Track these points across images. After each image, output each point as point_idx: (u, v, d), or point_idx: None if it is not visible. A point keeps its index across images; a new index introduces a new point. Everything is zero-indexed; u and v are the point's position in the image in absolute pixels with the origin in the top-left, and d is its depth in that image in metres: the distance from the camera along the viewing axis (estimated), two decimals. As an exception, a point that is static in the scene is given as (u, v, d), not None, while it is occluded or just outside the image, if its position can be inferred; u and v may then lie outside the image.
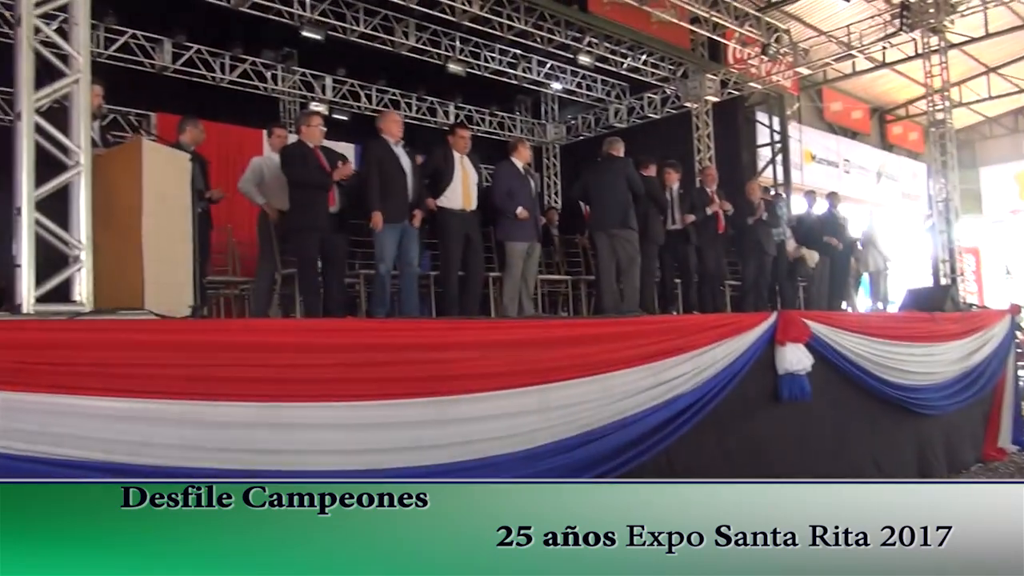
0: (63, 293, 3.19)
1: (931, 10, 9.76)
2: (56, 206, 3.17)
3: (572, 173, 14.05)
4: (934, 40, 9.93)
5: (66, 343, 2.62)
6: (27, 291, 2.90)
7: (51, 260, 3.15)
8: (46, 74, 3.13)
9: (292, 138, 5.62)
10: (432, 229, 5.69)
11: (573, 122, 15.02)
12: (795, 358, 5.81)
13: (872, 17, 11.02)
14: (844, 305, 9.22)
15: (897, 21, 10.10)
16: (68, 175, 3.05)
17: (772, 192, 8.77)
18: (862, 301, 10.14)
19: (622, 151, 6.35)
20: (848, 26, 11.47)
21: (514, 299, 5.71)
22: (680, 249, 7.27)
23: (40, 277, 3.03)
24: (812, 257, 8.08)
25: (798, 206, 9.78)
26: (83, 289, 3.08)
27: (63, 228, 3.08)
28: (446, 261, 5.42)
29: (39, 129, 3.00)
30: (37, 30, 2.97)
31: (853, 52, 11.54)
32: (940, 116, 9.95)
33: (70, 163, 3.10)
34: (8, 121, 8.78)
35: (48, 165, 3.14)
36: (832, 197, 9.00)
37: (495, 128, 14.36)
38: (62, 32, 3.22)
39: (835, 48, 11.94)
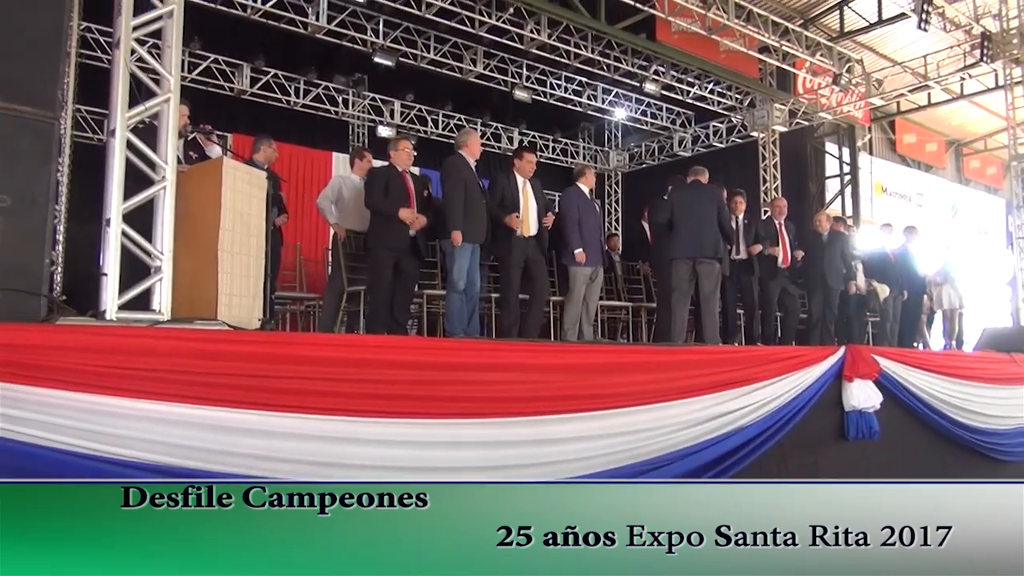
0: (143, 302, 3.34)
1: (1014, 40, 9.44)
2: (138, 220, 3.33)
3: (635, 201, 14.01)
4: (1017, 72, 9.59)
5: (148, 350, 2.72)
6: (111, 299, 3.04)
7: (130, 271, 3.31)
8: (137, 93, 3.32)
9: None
10: (492, 252, 5.70)
11: (636, 150, 15.00)
12: (863, 395, 5.64)
13: (950, 48, 10.70)
14: (916, 344, 8.89)
15: (976, 52, 9.77)
16: (154, 189, 3.20)
17: (841, 223, 8.51)
18: (935, 340, 9.76)
19: (706, 179, 6.29)
20: (925, 56, 11.17)
21: (575, 324, 5.69)
22: (744, 280, 7.16)
23: (120, 287, 3.18)
24: (883, 290, 7.82)
25: (872, 239, 9.48)
26: (162, 299, 3.21)
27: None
28: (506, 284, 5.44)
29: (129, 145, 3.16)
30: (132, 51, 3.14)
31: (929, 83, 11.22)
32: (1023, 149, 9.56)
33: (156, 178, 3.24)
34: (88, 139, 9.39)
35: (133, 180, 3.31)
36: (910, 231, 8.71)
37: (558, 155, 14.45)
38: (154, 54, 3.41)
39: (910, 79, 11.64)
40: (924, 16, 8.62)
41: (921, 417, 6.25)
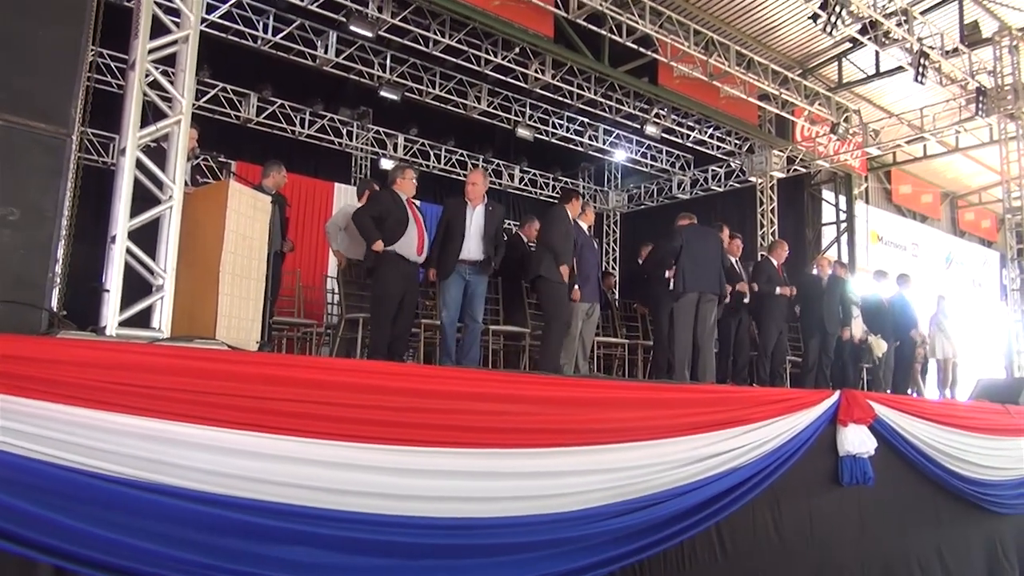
0: (142, 320, 3.34)
1: (1008, 96, 9.64)
2: (139, 239, 3.35)
3: (633, 241, 14.11)
4: (1011, 127, 9.77)
5: (148, 367, 2.72)
6: (112, 315, 3.05)
7: (128, 289, 3.31)
8: (148, 114, 3.37)
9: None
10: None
11: (636, 191, 15.16)
12: (858, 440, 5.63)
13: (947, 101, 10.92)
14: (911, 392, 8.89)
15: (972, 106, 9.97)
16: (160, 208, 3.23)
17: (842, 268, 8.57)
18: (929, 389, 9.77)
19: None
20: (921, 109, 11.39)
21: (572, 359, 5.70)
22: (727, 320, 7.17)
23: (121, 305, 3.19)
24: (880, 346, 7.83)
25: (866, 285, 9.54)
26: (163, 317, 3.22)
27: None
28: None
29: (138, 164, 3.20)
30: (147, 74, 3.19)
31: (925, 135, 11.41)
32: (1017, 203, 9.70)
33: (163, 197, 3.27)
34: (92, 161, 9.46)
35: (137, 200, 3.34)
36: (903, 279, 8.77)
37: (557, 193, 14.57)
38: (167, 78, 3.47)
39: (906, 130, 11.85)
40: (920, 70, 8.80)
41: (915, 465, 6.24)
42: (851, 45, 10.96)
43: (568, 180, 14.69)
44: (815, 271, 7.86)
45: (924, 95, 11.58)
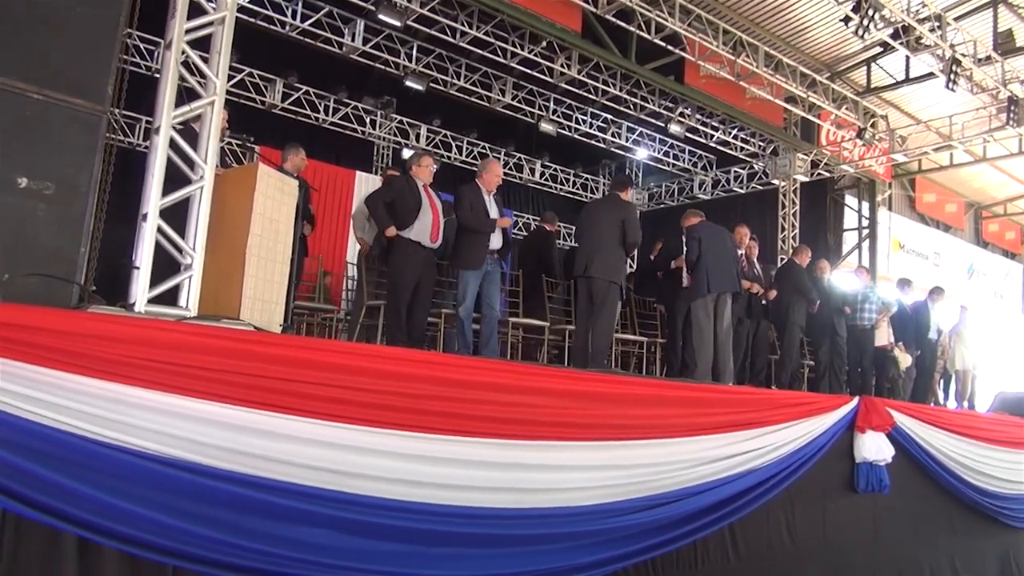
0: (168, 298, 3.38)
1: (1040, 107, 9.51)
2: (167, 219, 3.38)
3: (652, 240, 14.04)
4: (1042, 138, 9.63)
5: (177, 344, 2.75)
6: (142, 292, 3.08)
7: (158, 268, 3.35)
8: (181, 95, 3.39)
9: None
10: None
11: (656, 190, 15.08)
12: (875, 447, 5.59)
13: (976, 110, 10.78)
14: (929, 402, 8.81)
15: (1002, 115, 9.83)
16: (192, 188, 3.25)
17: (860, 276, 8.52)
18: (948, 401, 9.68)
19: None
20: (950, 117, 11.25)
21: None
22: (744, 322, 7.14)
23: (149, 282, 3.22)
24: (905, 360, 7.75)
25: (890, 294, 9.46)
26: (190, 296, 3.24)
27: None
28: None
29: (171, 144, 3.22)
30: (183, 53, 3.22)
31: (953, 143, 11.27)
32: (1044, 215, 9.55)
33: (195, 177, 3.30)
34: (121, 142, 9.54)
35: (165, 181, 3.36)
36: (936, 293, 8.69)
37: (578, 188, 14.56)
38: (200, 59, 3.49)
39: (933, 138, 11.71)
40: (952, 77, 8.69)
41: (932, 474, 6.19)
42: (881, 49, 10.85)
43: (589, 176, 14.66)
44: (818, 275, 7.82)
45: (952, 103, 11.41)
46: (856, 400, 5.66)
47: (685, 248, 6.14)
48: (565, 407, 3.91)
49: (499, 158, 13.03)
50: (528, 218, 13.62)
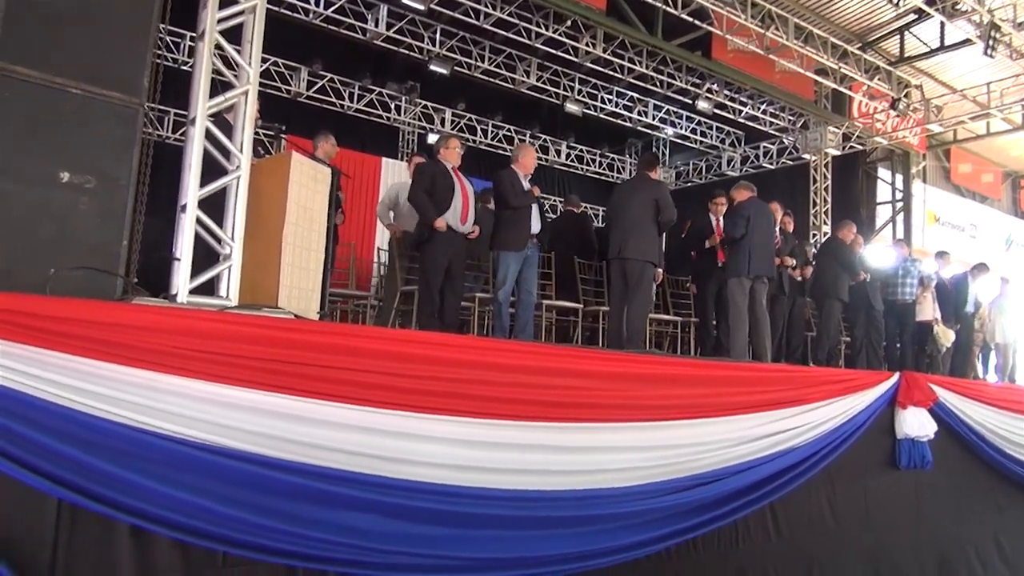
0: (207, 288, 3.40)
1: (1082, 71, 9.21)
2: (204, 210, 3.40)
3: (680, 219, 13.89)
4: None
5: (221, 334, 2.77)
6: (184, 283, 3.10)
7: (195, 259, 3.37)
8: (215, 86, 3.40)
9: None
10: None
11: (684, 168, 14.93)
12: (917, 423, 5.51)
13: (1016, 76, 10.47)
14: (970, 377, 8.65)
15: (1042, 81, 9.55)
16: (229, 178, 3.27)
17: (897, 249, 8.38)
18: (988, 375, 9.49)
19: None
20: (988, 84, 10.95)
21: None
22: (781, 299, 7.05)
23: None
24: (948, 337, 7.60)
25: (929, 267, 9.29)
26: (230, 285, 3.27)
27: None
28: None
29: (207, 134, 3.23)
30: (217, 44, 3.22)
31: (991, 112, 10.98)
32: (1087, 183, 9.28)
33: (231, 167, 3.31)
34: (149, 135, 9.63)
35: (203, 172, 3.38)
36: (978, 270, 8.51)
37: (604, 169, 14.45)
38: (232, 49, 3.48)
39: (969, 107, 11.42)
40: (991, 43, 8.44)
41: (975, 450, 6.09)
42: (915, 17, 10.56)
43: (615, 157, 14.53)
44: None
45: (989, 70, 11.12)
46: (897, 376, 5.57)
47: (728, 223, 6.04)
48: (604, 389, 3.89)
49: (524, 140, 12.98)
50: (554, 200, 13.57)
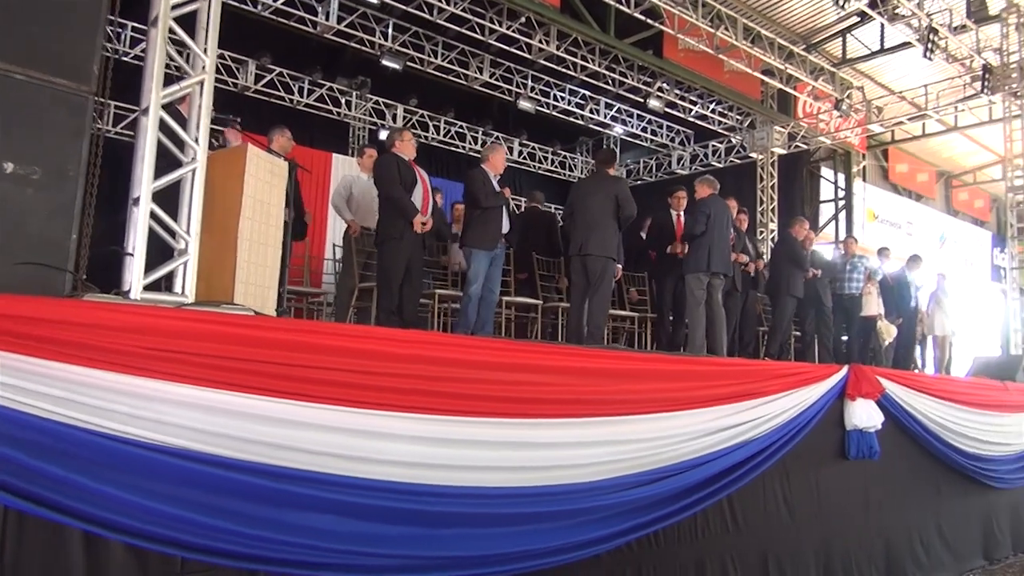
0: (160, 286, 3.28)
1: (1014, 75, 9.62)
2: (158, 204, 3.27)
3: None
4: (1015, 105, 9.76)
5: (178, 332, 2.67)
6: (137, 279, 2.99)
7: (154, 252, 3.24)
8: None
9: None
10: None
11: (634, 166, 15.08)
12: (865, 414, 5.66)
13: (949, 80, 10.89)
14: (911, 369, 8.97)
15: (976, 84, 9.94)
16: (185, 170, 3.15)
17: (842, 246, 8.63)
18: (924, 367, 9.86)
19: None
20: (926, 86, 11.35)
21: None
22: (734, 295, 7.18)
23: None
24: (890, 332, 7.86)
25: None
26: (186, 282, 3.16)
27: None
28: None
29: (160, 125, 3.11)
30: (171, 31, 3.10)
31: (928, 112, 11.39)
32: (1019, 182, 9.72)
33: (186, 159, 3.20)
34: (95, 129, 9.27)
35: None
36: (914, 261, 8.82)
37: (556, 167, 14.50)
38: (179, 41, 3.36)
39: (907, 108, 11.83)
40: (930, 46, 8.75)
41: (918, 440, 6.29)
42: (857, 20, 10.87)
43: (567, 154, 14.60)
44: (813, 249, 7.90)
45: (925, 73, 11.54)
46: (846, 368, 5.72)
47: (689, 219, 6.13)
48: (568, 384, 3.89)
49: (477, 137, 12.94)
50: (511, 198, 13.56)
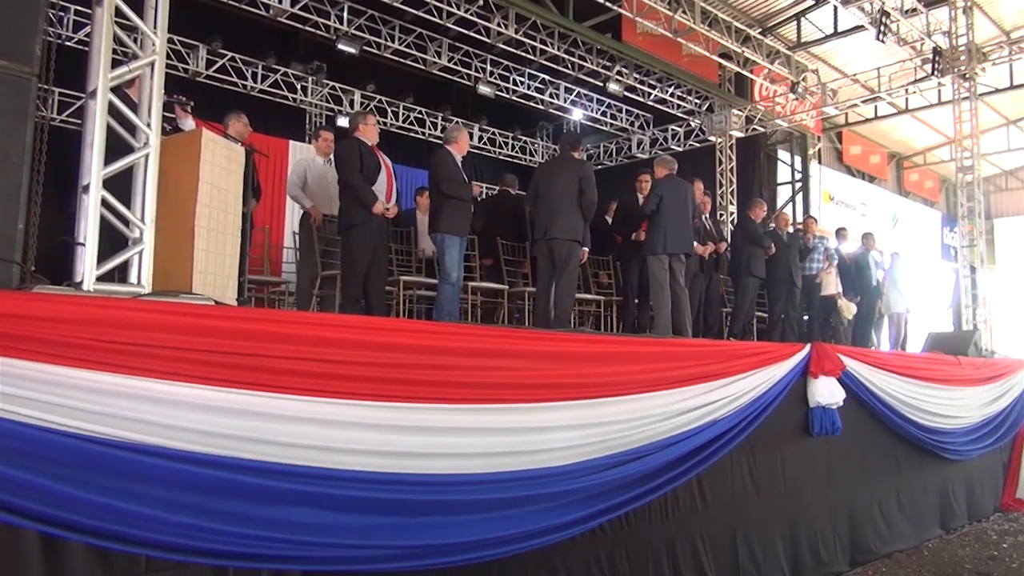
0: (114, 276, 3.15)
1: (962, 57, 9.83)
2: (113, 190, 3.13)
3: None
4: (965, 87, 9.99)
5: (136, 323, 2.56)
6: (89, 269, 2.86)
7: (105, 242, 3.11)
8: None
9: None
10: None
11: (594, 151, 15.09)
12: (827, 391, 5.75)
13: (900, 63, 11.09)
14: (870, 346, 9.17)
15: (926, 67, 10.14)
16: (137, 155, 3.02)
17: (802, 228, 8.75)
18: (881, 344, 10.08)
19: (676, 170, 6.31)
20: (878, 69, 11.56)
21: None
22: (698, 277, 7.24)
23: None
24: (849, 310, 8.00)
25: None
26: (143, 271, 3.04)
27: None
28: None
29: (110, 109, 2.98)
30: (117, 10, 2.96)
31: (881, 95, 11.60)
32: (968, 163, 9.96)
33: (138, 144, 3.07)
34: (39, 117, 8.92)
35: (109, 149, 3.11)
36: (867, 239, 8.99)
37: (516, 152, 14.43)
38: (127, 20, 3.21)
39: (859, 91, 12.03)
40: (882, 29, 8.88)
41: (878, 415, 6.43)
42: (812, 3, 11.01)
43: (527, 140, 14.54)
44: (773, 227, 7.98)
45: (876, 57, 11.75)
46: (808, 347, 5.80)
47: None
48: (538, 369, 3.87)
49: (436, 122, 12.80)
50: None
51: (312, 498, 2.93)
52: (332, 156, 5.56)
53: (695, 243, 6.57)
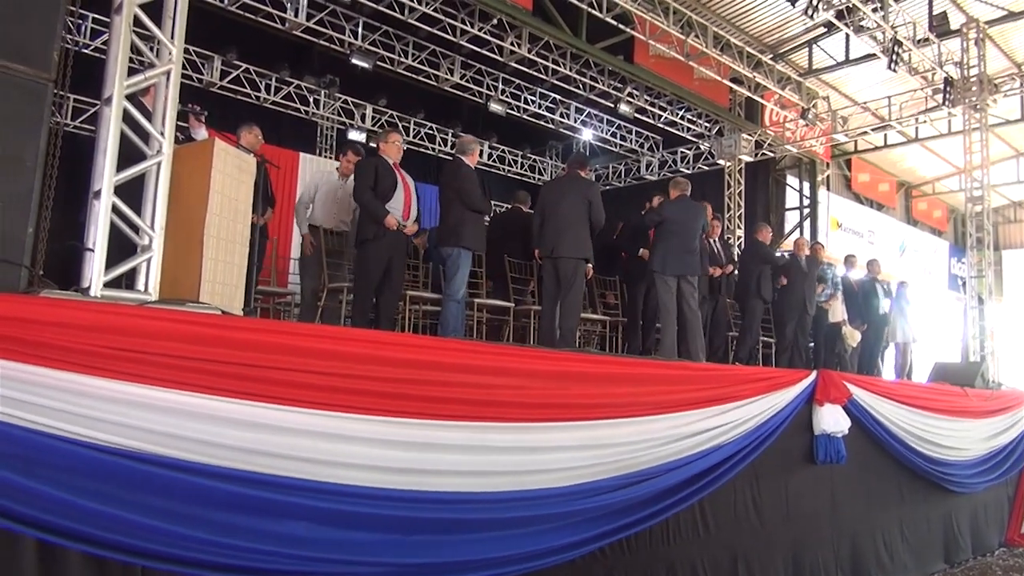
0: (122, 282, 3.15)
1: (973, 88, 9.84)
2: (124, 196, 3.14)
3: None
4: (976, 118, 9.98)
5: (142, 331, 2.55)
6: (97, 275, 2.86)
7: (114, 249, 3.11)
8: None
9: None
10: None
11: (603, 171, 15.12)
12: (832, 419, 5.70)
13: (911, 92, 11.11)
14: (874, 374, 9.10)
15: (937, 96, 10.16)
16: (150, 163, 3.03)
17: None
18: (886, 372, 10.01)
19: (689, 192, 6.33)
20: (889, 97, 11.58)
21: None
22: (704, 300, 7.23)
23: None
24: (854, 337, 7.96)
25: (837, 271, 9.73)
26: (151, 278, 3.04)
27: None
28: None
29: (124, 116, 2.99)
30: (135, 19, 2.98)
31: (891, 123, 11.61)
32: (978, 193, 9.93)
33: (151, 152, 3.08)
34: (54, 123, 9.00)
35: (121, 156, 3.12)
36: (872, 265, 8.97)
37: (526, 170, 14.48)
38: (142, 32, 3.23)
39: (869, 119, 12.05)
40: (894, 58, 8.90)
41: (883, 444, 6.37)
42: (824, 31, 11.05)
43: (536, 158, 14.59)
44: (790, 253, 7.97)
45: (887, 85, 11.78)
46: (815, 374, 5.76)
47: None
48: (543, 388, 3.84)
49: (446, 138, 12.86)
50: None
51: (311, 512, 2.90)
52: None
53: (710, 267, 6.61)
